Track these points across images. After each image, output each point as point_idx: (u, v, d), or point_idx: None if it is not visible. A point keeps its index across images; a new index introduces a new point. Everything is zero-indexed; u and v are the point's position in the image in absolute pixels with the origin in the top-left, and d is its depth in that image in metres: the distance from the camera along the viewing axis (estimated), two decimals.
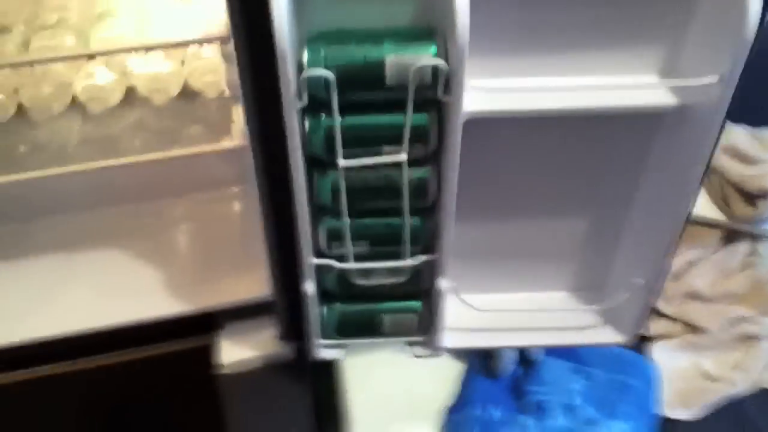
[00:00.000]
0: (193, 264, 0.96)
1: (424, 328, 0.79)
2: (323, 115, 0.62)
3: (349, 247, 0.70)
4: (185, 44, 0.81)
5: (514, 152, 0.71)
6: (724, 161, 1.10)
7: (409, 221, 0.69)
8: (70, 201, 0.98)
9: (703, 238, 1.14)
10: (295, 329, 0.89)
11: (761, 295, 1.08)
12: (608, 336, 0.81)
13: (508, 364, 1.00)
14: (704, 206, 1.13)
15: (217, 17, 0.77)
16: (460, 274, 0.75)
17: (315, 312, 0.76)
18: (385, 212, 0.70)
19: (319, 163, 0.66)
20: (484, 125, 0.63)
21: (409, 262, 0.72)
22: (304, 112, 0.62)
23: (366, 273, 0.74)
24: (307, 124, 0.63)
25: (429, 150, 0.64)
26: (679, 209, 0.68)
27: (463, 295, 0.78)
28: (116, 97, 0.88)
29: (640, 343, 1.06)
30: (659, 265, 0.72)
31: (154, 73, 0.87)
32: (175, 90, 0.88)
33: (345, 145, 0.62)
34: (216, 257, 0.96)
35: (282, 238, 0.79)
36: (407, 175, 0.65)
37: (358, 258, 0.72)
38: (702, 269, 1.12)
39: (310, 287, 0.73)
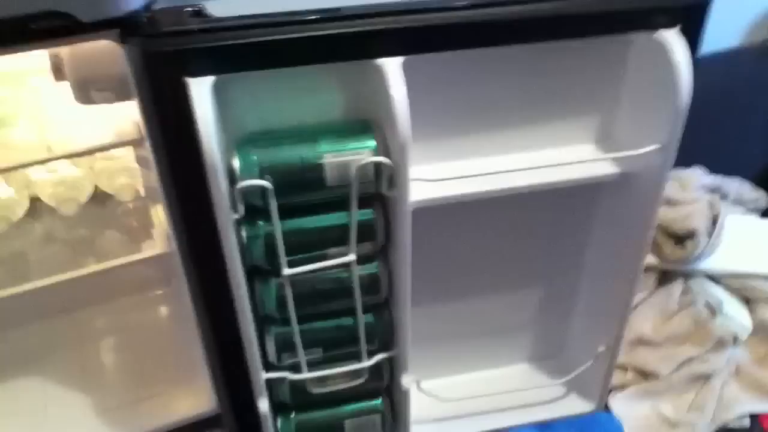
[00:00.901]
0: (122, 383, 0.86)
1: (388, 428, 0.74)
2: (261, 222, 0.57)
3: (302, 356, 0.65)
4: (94, 151, 0.74)
5: (462, 232, 0.69)
6: None
7: (362, 320, 0.64)
8: None
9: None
10: None
11: (703, 333, 1.09)
12: (576, 405, 0.79)
13: None
14: None
15: (126, 116, 0.71)
16: (417, 361, 0.71)
17: (269, 428, 0.70)
18: (335, 313, 0.66)
19: (260, 270, 0.61)
20: (430, 211, 0.60)
21: (367, 363, 0.67)
22: (240, 221, 0.57)
23: (322, 380, 0.68)
24: (244, 233, 0.58)
25: (377, 246, 0.61)
26: (629, 272, 0.67)
27: (423, 383, 0.74)
28: (20, 211, 0.80)
29: None
30: (618, 329, 0.71)
31: (60, 179, 0.79)
32: (85, 196, 0.81)
33: (288, 252, 0.58)
34: (147, 371, 0.87)
35: (225, 350, 0.72)
36: (357, 273, 0.61)
37: (312, 365, 0.67)
38: (643, 314, 1.13)
39: (263, 404, 0.67)
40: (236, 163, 0.54)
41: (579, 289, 0.76)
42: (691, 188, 1.14)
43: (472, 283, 0.74)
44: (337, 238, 0.58)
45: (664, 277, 1.17)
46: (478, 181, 0.59)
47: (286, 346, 0.65)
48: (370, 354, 0.67)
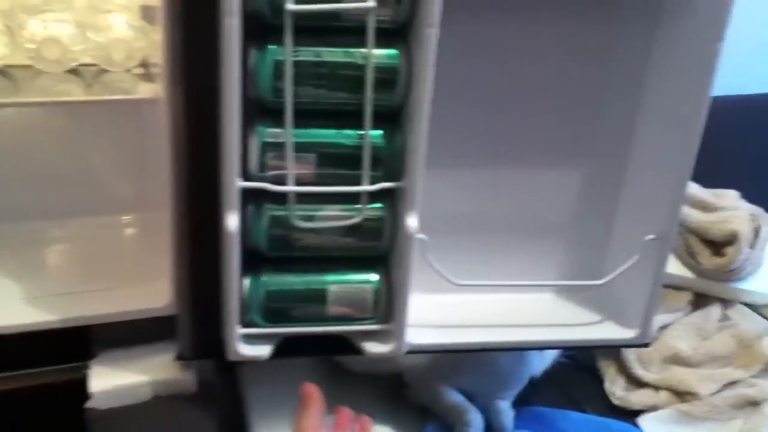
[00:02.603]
0: (70, 276, 0.72)
1: (381, 312, 0.59)
2: None
3: (291, 160, 0.52)
4: None
5: (494, 70, 0.59)
6: (683, 210, 1.01)
7: (370, 117, 0.52)
8: None
9: (671, 301, 1.01)
10: (201, 342, 0.65)
11: (749, 355, 0.93)
12: (612, 331, 0.63)
13: None
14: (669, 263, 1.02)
15: None
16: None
17: (234, 282, 0.55)
18: (337, 119, 0.54)
19: (258, 33, 0.51)
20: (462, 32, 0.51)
21: (367, 187, 0.54)
22: None
23: (310, 215, 0.55)
24: None
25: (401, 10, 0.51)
26: (694, 116, 0.56)
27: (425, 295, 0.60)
28: None
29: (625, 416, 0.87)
30: (674, 208, 0.58)
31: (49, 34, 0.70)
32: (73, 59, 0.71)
33: None
34: (99, 271, 0.73)
35: (193, 160, 0.58)
36: (372, 53, 0.50)
37: (301, 184, 0.54)
38: (678, 332, 0.97)
39: (232, 221, 0.52)
40: None
41: (628, 171, 0.63)
42: (729, 199, 1.04)
43: (502, 153, 0.62)
44: None
45: (699, 301, 1.03)
46: None
47: (272, 146, 0.53)
48: (374, 181, 0.54)
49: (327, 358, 0.79)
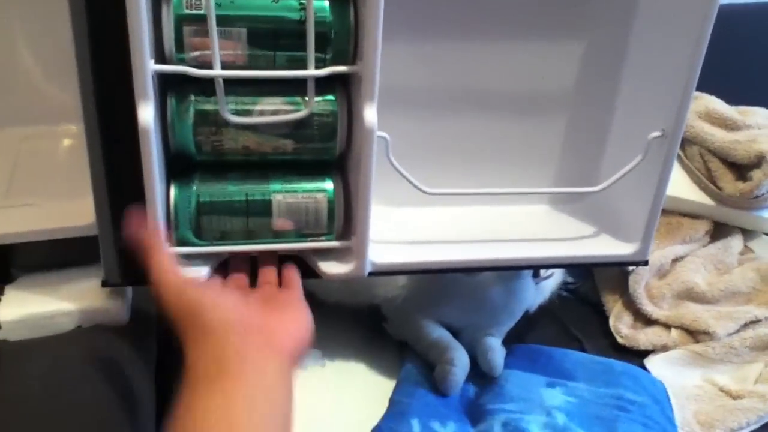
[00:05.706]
0: None
1: (337, 227, 0.49)
2: None
3: (214, 37, 0.42)
4: None
5: None
6: (703, 127, 0.90)
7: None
8: None
9: (687, 230, 0.91)
10: (130, 265, 0.56)
11: None
12: (607, 246, 0.53)
13: (458, 377, 0.69)
14: (684, 188, 0.91)
15: None
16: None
17: (155, 191, 0.45)
18: None
19: None
20: None
21: (314, 71, 0.44)
22: None
23: (245, 108, 0.45)
24: None
25: None
26: None
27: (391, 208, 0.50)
28: None
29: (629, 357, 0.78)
30: (684, 101, 0.48)
31: None
32: None
33: None
34: (24, 187, 0.64)
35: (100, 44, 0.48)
36: None
37: (231, 66, 0.44)
38: (693, 265, 0.87)
39: (146, 113, 0.42)
40: None
41: (628, 48, 0.52)
42: (757, 116, 0.93)
43: (475, 17, 0.51)
44: None
45: (718, 231, 0.93)
46: None
47: (191, 18, 0.42)
48: (321, 65, 0.44)
49: None
